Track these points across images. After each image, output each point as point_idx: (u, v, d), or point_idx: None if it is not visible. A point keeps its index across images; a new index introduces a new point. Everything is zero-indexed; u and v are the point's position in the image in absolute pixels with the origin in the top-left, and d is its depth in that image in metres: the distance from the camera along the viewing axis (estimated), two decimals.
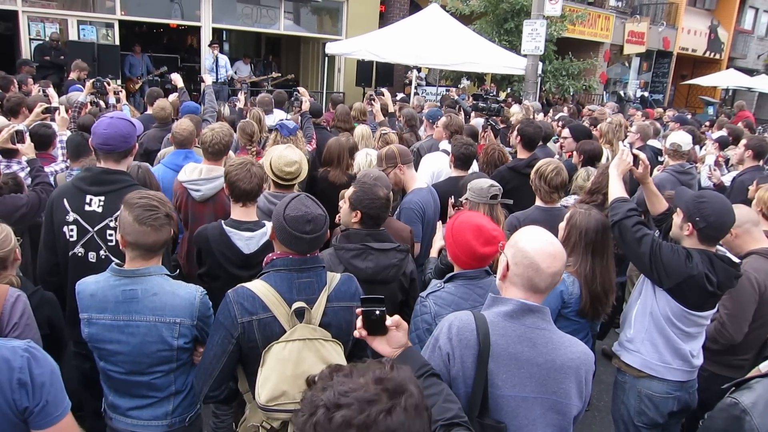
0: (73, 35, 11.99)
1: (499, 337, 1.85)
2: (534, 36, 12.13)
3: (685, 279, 2.73)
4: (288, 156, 3.47)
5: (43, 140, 4.58)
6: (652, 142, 6.99)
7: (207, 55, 12.72)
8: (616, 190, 3.11)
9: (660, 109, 14.55)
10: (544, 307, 1.91)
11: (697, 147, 7.72)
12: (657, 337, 2.92)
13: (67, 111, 5.66)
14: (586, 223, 2.99)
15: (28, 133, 4.14)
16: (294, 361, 2.13)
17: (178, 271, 2.51)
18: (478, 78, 15.91)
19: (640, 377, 2.99)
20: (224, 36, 17.34)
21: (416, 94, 12.07)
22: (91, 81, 6.31)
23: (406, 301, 3.07)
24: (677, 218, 2.90)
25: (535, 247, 1.89)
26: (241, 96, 7.23)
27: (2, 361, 1.63)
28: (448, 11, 13.72)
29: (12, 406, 1.63)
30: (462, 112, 7.83)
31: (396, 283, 2.98)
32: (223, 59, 12.60)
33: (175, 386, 2.41)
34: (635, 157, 3.14)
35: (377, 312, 1.80)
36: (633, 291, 3.15)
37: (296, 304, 2.20)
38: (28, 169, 4.02)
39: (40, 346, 1.76)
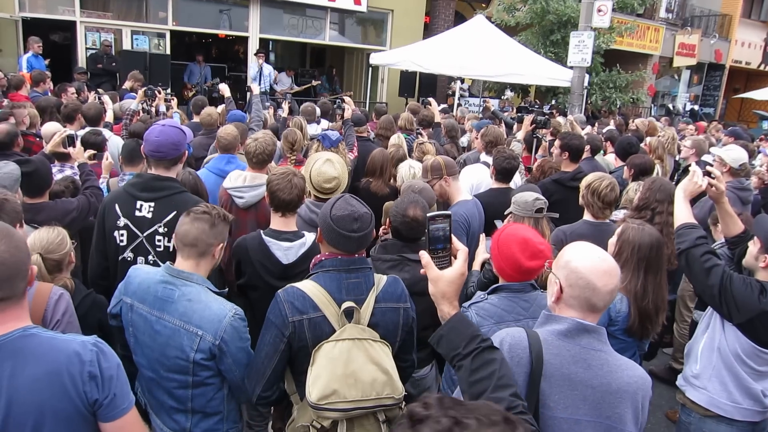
0: (126, 45, 12.43)
1: (553, 357, 1.79)
2: (581, 48, 11.92)
3: (758, 314, 2.57)
4: (327, 173, 3.48)
5: (94, 148, 4.74)
6: (706, 157, 6.75)
7: (252, 64, 12.87)
8: (683, 214, 2.92)
9: (712, 122, 14.08)
10: (600, 327, 1.84)
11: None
12: (725, 374, 2.76)
13: (119, 118, 5.86)
14: (640, 238, 2.85)
15: (77, 143, 4.28)
16: (344, 361, 2.15)
17: (227, 290, 2.51)
18: (522, 90, 15.75)
19: (707, 416, 2.83)
20: (270, 46, 17.66)
21: (459, 105, 12.01)
22: (143, 89, 6.51)
23: None
24: (753, 247, 2.74)
25: (588, 266, 1.82)
26: (285, 105, 7.32)
27: (73, 354, 1.69)
28: (493, 22, 13.63)
29: (83, 399, 1.69)
30: (503, 125, 7.73)
31: None
32: (267, 69, 12.77)
33: (192, 404, 2.36)
34: (708, 175, 2.94)
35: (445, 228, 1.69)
36: (700, 323, 3.00)
37: (346, 304, 2.21)
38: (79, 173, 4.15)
39: None
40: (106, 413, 1.74)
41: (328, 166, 3.50)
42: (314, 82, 15.15)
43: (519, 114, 6.49)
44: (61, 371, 1.66)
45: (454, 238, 1.75)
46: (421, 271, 1.75)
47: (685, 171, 6.40)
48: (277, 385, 2.33)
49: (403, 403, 2.31)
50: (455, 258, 1.74)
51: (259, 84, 12.22)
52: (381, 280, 2.37)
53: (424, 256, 1.72)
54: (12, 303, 1.67)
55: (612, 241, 2.98)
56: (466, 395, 1.61)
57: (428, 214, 1.73)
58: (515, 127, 7.76)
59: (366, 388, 2.15)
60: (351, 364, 2.15)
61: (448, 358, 1.71)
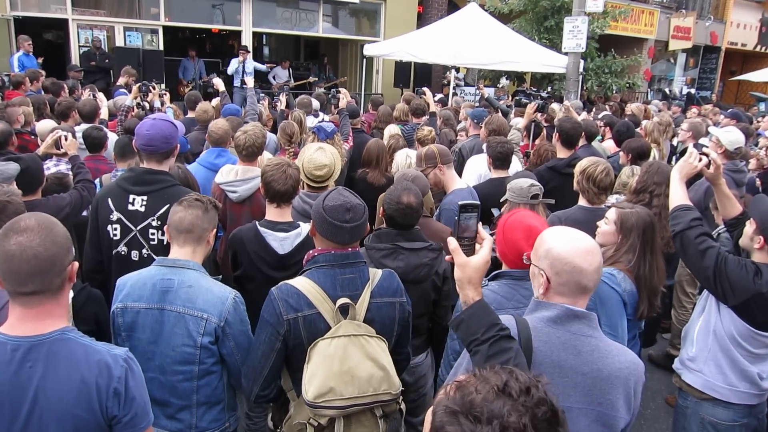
0: (119, 41, 12.36)
1: (542, 344, 1.78)
2: (575, 33, 11.87)
3: (753, 296, 2.55)
4: (318, 159, 3.48)
5: (95, 142, 4.78)
6: (703, 140, 6.74)
7: (232, 60, 12.35)
8: (678, 196, 2.89)
9: (708, 106, 14.04)
10: (590, 313, 1.83)
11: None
12: (721, 357, 2.75)
13: (114, 114, 5.84)
14: (643, 222, 2.84)
15: (69, 135, 4.25)
16: (340, 358, 2.13)
17: (221, 277, 2.52)
18: (517, 77, 15.69)
19: (703, 399, 2.82)
20: (264, 40, 17.57)
21: (455, 94, 11.97)
22: (137, 85, 6.50)
23: (438, 301, 3.03)
24: (749, 228, 2.71)
25: (570, 250, 1.81)
26: (282, 98, 7.30)
27: (104, 366, 1.70)
28: (486, 10, 13.55)
29: (104, 412, 1.70)
30: (499, 113, 7.70)
31: (428, 283, 2.95)
32: (251, 65, 12.32)
33: (198, 396, 2.36)
34: (705, 157, 2.89)
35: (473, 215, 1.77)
36: (696, 306, 2.99)
37: (341, 300, 2.19)
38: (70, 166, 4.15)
39: None
40: (123, 430, 1.75)
41: (319, 154, 3.50)
42: (311, 79, 15.08)
43: (517, 98, 6.39)
44: (91, 382, 1.67)
45: (480, 227, 1.81)
46: (447, 257, 1.80)
47: (683, 154, 6.39)
48: (275, 383, 2.32)
49: (400, 397, 2.30)
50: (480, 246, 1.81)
51: (236, 80, 11.95)
52: (376, 274, 2.35)
53: (452, 242, 1.77)
54: (47, 298, 1.67)
55: (606, 230, 2.95)
56: None
57: (460, 203, 1.79)
58: (513, 112, 7.72)
59: (363, 384, 2.14)
60: (347, 361, 2.14)
61: (465, 343, 1.73)
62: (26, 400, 1.63)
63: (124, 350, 1.79)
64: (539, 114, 6.28)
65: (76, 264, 1.76)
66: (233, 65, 12.24)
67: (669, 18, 21.27)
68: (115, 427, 1.74)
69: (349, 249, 2.29)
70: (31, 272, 1.61)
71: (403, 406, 2.37)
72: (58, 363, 1.66)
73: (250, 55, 12.47)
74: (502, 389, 1.08)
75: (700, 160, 2.89)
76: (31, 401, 1.63)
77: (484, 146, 5.56)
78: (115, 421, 1.73)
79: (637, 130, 6.66)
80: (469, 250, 1.79)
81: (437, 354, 3.16)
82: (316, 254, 2.30)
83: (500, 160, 4.43)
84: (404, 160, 4.57)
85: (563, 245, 1.82)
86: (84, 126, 5.31)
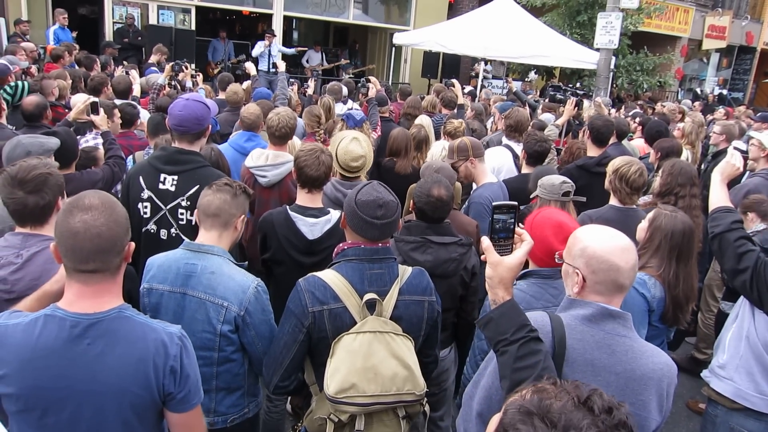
0: (152, 20, 12.45)
1: (576, 342, 1.76)
2: (608, 29, 11.65)
3: None
4: (354, 151, 3.48)
5: (127, 118, 4.83)
6: (736, 143, 6.60)
7: (258, 43, 12.08)
8: (719, 197, 2.84)
9: (741, 108, 13.73)
10: (625, 313, 1.81)
11: None
12: (753, 364, 2.70)
13: (146, 92, 5.90)
14: (672, 225, 2.77)
15: (101, 110, 4.29)
16: (364, 354, 2.10)
17: (246, 263, 2.51)
18: (546, 72, 15.49)
19: (733, 409, 2.76)
20: (294, 24, 17.55)
21: (483, 87, 11.87)
22: (170, 64, 6.55)
23: (465, 297, 3.01)
24: None
25: (606, 248, 1.79)
26: (311, 83, 7.29)
27: (161, 345, 1.72)
28: (518, 3, 13.38)
29: (160, 388, 1.73)
30: (527, 107, 7.63)
31: (456, 278, 2.92)
32: (276, 49, 12.07)
33: (217, 382, 2.36)
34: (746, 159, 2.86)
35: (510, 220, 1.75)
36: (731, 314, 2.94)
37: (368, 296, 2.17)
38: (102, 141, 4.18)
39: None
40: (176, 406, 1.78)
41: (354, 145, 3.49)
42: (343, 61, 15.06)
43: (552, 93, 6.28)
44: (148, 360, 1.69)
45: (519, 229, 1.79)
46: (482, 257, 1.78)
47: (714, 157, 6.27)
48: (296, 375, 2.31)
49: (425, 398, 2.27)
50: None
51: (263, 64, 11.91)
52: (405, 271, 2.31)
53: (485, 240, 1.75)
54: (105, 277, 1.68)
55: (642, 227, 2.91)
56: (505, 380, 1.63)
57: (494, 203, 1.77)
58: (541, 108, 7.63)
59: (386, 382, 2.11)
60: (371, 358, 2.11)
61: (492, 342, 1.72)
62: (84, 377, 1.64)
63: (177, 328, 1.80)
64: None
65: (133, 244, 1.77)
66: (258, 48, 12.20)
67: (704, 16, 20.82)
68: (169, 404, 1.77)
69: (380, 244, 2.27)
70: (93, 250, 1.62)
71: (427, 408, 2.34)
72: (117, 341, 1.67)
73: (276, 39, 12.43)
74: (584, 402, 1.06)
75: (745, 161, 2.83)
76: (89, 378, 1.64)
77: (503, 139, 5.51)
78: (170, 398, 1.75)
79: (675, 132, 6.56)
80: (507, 251, 1.77)
81: (461, 349, 3.15)
82: (345, 248, 2.28)
83: (534, 157, 4.41)
84: (440, 152, 4.53)
85: (599, 243, 1.80)
86: (117, 102, 5.36)
